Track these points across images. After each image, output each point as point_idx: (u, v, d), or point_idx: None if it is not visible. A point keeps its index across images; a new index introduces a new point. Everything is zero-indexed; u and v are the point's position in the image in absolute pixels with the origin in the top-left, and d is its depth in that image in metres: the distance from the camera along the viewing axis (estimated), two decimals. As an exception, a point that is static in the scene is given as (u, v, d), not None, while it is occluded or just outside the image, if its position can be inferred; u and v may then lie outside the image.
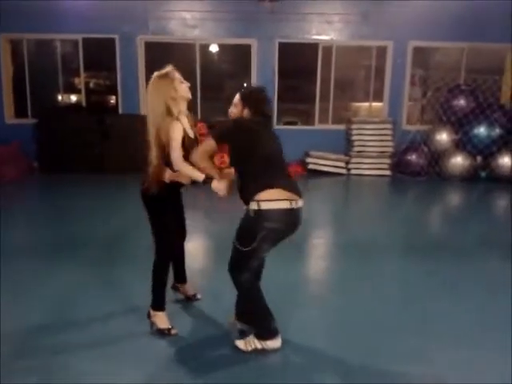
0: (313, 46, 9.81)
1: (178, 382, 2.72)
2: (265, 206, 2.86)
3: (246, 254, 2.93)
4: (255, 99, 3.16)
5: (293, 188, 2.99)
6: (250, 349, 3.04)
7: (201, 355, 2.98)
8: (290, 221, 2.98)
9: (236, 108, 3.16)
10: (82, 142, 8.79)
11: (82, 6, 8.97)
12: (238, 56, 10.50)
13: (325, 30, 9.67)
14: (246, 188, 2.98)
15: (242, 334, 3.15)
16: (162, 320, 3.19)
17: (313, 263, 4.99)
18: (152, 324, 3.21)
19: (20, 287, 4.00)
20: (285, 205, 2.89)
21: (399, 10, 9.40)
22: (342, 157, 9.64)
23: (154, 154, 3.02)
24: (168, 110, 3.01)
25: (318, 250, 5.35)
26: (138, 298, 3.65)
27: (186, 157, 3.04)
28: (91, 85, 10.64)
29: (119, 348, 3.05)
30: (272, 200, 2.87)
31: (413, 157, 9.31)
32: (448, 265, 4.57)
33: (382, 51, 9.98)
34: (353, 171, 9.54)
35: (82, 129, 8.83)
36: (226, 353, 3.01)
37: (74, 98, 10.75)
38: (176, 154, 3.00)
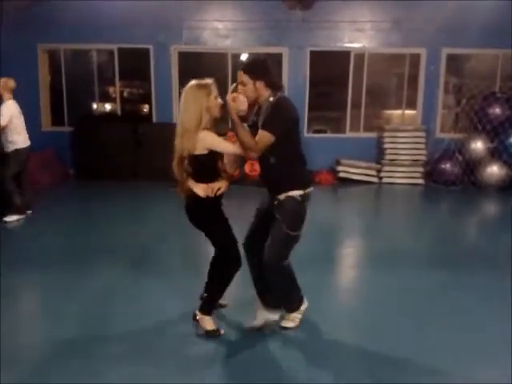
0: (344, 54, 9.77)
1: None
2: (308, 189, 3.16)
3: (294, 238, 3.16)
4: (263, 68, 3.15)
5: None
6: (294, 325, 3.38)
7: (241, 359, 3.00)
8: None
9: (247, 86, 3.08)
10: (116, 150, 8.94)
11: (117, 16, 9.16)
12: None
13: (356, 38, 9.62)
14: (285, 178, 3.11)
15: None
16: (209, 322, 3.28)
17: (342, 272, 4.94)
18: (199, 326, 3.30)
19: (49, 294, 4.09)
20: (312, 187, 3.21)
21: (432, 16, 9.26)
22: (374, 165, 9.54)
23: (174, 165, 3.09)
24: (200, 120, 3.01)
25: (348, 259, 5.30)
26: (165, 309, 3.70)
27: (217, 168, 3.13)
28: (125, 94, 10.87)
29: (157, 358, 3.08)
30: (309, 185, 3.20)
31: (447, 165, 9.13)
32: (481, 278, 4.44)
33: (414, 58, 9.87)
34: (385, 180, 9.43)
35: (116, 137, 9.00)
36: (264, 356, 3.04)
37: (108, 106, 10.99)
38: (230, 148, 3.07)
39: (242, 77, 3.08)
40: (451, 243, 5.69)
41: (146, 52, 9.56)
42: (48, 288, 4.19)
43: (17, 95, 6.34)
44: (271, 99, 3.09)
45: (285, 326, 3.37)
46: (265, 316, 3.37)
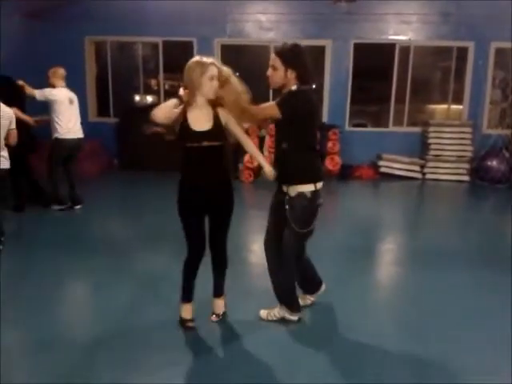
0: (387, 47, 9.60)
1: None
2: (319, 184, 3.04)
3: (306, 234, 3.13)
4: (298, 57, 2.95)
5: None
6: (270, 318, 3.33)
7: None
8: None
9: (277, 71, 2.93)
10: (159, 142, 9.03)
11: (163, 10, 9.28)
12: (311, 57, 10.43)
13: (402, 31, 9.44)
14: (297, 168, 3.03)
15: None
16: (186, 310, 3.26)
17: (383, 270, 4.88)
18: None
19: (96, 280, 4.21)
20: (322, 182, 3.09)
21: (480, 9, 8.98)
22: (417, 160, 9.36)
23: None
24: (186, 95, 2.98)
25: (389, 256, 5.23)
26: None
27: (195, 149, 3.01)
28: (166, 86, 10.99)
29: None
30: (320, 179, 3.06)
31: (493, 162, 8.87)
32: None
33: (460, 52, 9.61)
34: (428, 176, 9.24)
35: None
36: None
37: (149, 98, 11.15)
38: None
39: (275, 61, 2.93)
40: (496, 242, 5.54)
41: (190, 45, 9.64)
42: (96, 274, 4.32)
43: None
44: (293, 88, 2.95)
45: (259, 313, 3.39)
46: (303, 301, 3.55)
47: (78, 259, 4.59)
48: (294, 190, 2.99)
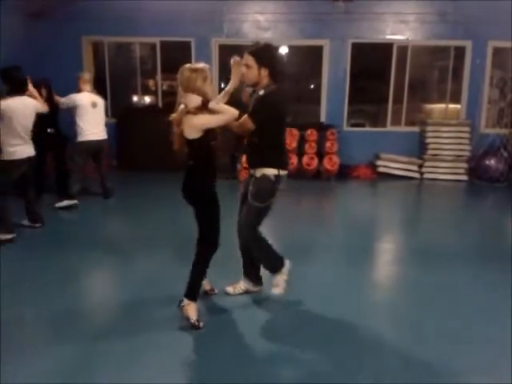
0: (385, 46, 9.59)
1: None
2: (282, 171, 3.31)
3: (263, 209, 3.32)
4: (271, 57, 3.22)
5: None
6: (283, 291, 3.50)
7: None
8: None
9: (251, 69, 3.14)
10: (157, 142, 9.01)
11: (160, 10, 9.25)
12: (308, 57, 10.47)
13: (400, 30, 9.43)
14: (265, 155, 3.29)
15: None
16: (193, 310, 3.26)
17: (382, 268, 4.88)
18: (183, 313, 3.27)
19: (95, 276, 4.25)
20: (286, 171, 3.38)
21: (478, 8, 8.98)
22: (415, 160, 9.36)
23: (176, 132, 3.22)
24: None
25: (388, 255, 5.23)
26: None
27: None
28: (164, 87, 10.98)
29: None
30: (284, 168, 3.35)
31: (491, 162, 8.88)
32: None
33: (458, 51, 9.61)
34: (426, 175, 9.24)
35: (157, 129, 9.06)
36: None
37: (147, 99, 11.13)
38: (224, 118, 3.04)
39: (248, 60, 3.13)
40: (495, 241, 5.54)
41: (187, 45, 9.62)
42: (95, 274, 4.37)
43: (62, 87, 6.54)
44: (261, 92, 3.18)
45: (274, 292, 3.51)
46: (246, 286, 3.74)
47: (78, 258, 4.59)
48: (260, 172, 3.28)
